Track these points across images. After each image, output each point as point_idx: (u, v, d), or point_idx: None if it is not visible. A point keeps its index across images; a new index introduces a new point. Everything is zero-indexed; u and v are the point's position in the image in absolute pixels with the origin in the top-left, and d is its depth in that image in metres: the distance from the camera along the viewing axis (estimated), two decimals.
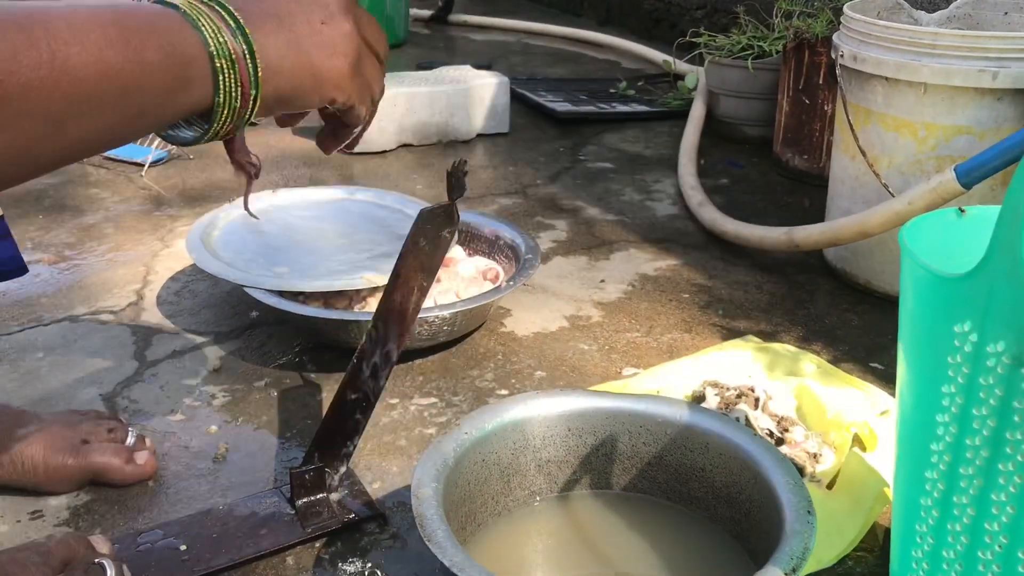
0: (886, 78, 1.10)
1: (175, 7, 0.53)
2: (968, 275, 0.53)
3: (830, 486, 0.83)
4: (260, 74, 0.54)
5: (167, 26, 0.51)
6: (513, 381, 1.01)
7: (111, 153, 1.66)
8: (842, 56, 1.16)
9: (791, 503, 0.63)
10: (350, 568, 0.74)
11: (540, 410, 0.71)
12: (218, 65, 0.52)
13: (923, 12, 1.25)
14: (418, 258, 0.77)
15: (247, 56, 0.54)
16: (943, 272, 0.55)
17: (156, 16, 0.51)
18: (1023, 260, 0.49)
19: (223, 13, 0.54)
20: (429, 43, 2.91)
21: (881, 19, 1.19)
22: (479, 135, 1.88)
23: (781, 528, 0.62)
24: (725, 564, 0.68)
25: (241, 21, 0.54)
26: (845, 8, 1.19)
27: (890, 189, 1.11)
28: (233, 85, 0.53)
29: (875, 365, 1.05)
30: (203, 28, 0.52)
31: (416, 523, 0.57)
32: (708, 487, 0.71)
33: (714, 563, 0.68)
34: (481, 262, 1.16)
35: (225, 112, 0.54)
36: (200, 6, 0.54)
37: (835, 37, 1.21)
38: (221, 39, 0.53)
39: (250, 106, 0.55)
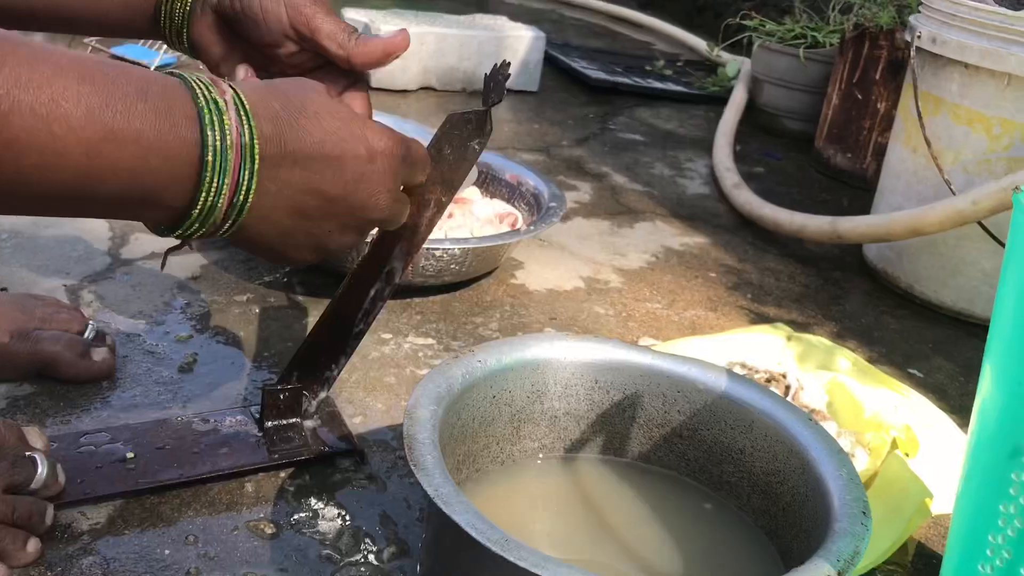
0: (966, 65, 1.01)
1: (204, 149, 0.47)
2: None
3: None
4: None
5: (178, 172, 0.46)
6: (519, 334, 0.92)
7: (118, 51, 1.55)
8: (919, 38, 1.06)
9: (844, 501, 0.53)
10: (315, 504, 0.64)
11: (566, 354, 0.61)
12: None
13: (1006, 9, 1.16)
14: (439, 168, 0.67)
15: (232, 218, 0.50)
16: None
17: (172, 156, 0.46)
18: None
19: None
20: None
21: None
22: (507, 89, 1.78)
23: (828, 527, 0.52)
24: (752, 559, 0.58)
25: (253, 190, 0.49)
26: None
27: (952, 186, 1.02)
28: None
29: (914, 371, 0.96)
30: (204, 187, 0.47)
31: (405, 446, 0.47)
32: (745, 472, 0.61)
33: (740, 557, 0.59)
34: (499, 206, 1.07)
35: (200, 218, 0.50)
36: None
37: (912, 19, 1.12)
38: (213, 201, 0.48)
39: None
